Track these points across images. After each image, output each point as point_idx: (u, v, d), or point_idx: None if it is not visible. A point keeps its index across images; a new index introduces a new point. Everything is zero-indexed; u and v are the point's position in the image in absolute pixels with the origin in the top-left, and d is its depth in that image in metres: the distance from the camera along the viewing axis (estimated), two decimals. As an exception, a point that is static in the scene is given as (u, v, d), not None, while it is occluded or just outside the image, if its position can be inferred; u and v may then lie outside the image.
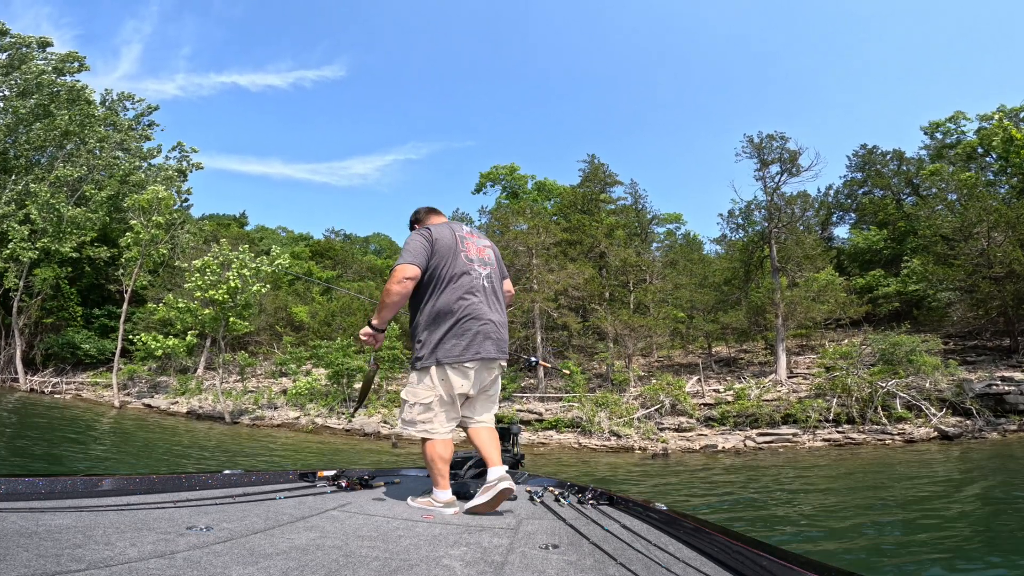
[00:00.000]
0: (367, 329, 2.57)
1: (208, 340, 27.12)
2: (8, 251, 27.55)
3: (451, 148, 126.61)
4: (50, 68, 31.48)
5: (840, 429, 16.36)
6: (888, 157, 36.54)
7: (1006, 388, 17.00)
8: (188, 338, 23.02)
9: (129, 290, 27.68)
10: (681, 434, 17.29)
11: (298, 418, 20.96)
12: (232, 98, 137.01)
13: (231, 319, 22.42)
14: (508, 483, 2.36)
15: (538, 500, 2.98)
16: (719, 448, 15.95)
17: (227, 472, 2.87)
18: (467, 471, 3.59)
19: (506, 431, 3.64)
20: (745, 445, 16.11)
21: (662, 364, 25.95)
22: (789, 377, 21.16)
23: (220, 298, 21.55)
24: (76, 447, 12.68)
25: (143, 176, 33.22)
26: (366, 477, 3.29)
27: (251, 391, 24.07)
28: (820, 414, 16.76)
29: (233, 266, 22.23)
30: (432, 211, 2.91)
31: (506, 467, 2.54)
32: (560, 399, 20.26)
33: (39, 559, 1.16)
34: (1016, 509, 8.13)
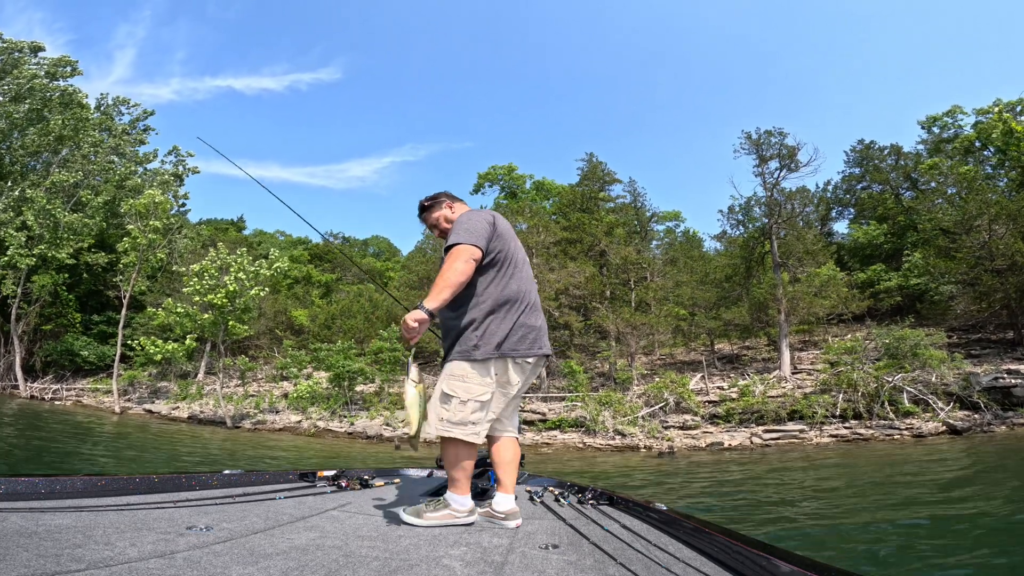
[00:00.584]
0: (420, 315, 2.06)
1: (208, 345, 26.96)
2: (6, 258, 27.37)
3: (449, 149, 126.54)
4: (43, 73, 31.32)
5: (847, 425, 16.27)
6: (886, 152, 36.49)
7: (1012, 381, 16.91)
8: (187, 342, 22.87)
9: (127, 295, 27.52)
10: (686, 432, 17.19)
11: (300, 422, 20.82)
12: (228, 102, 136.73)
13: (230, 323, 22.27)
14: (517, 520, 2.21)
15: (538, 500, 2.97)
16: (725, 445, 15.85)
17: (227, 472, 2.84)
18: None
19: None
20: (751, 442, 16.01)
21: (664, 362, 25.86)
22: (793, 373, 21.08)
23: (219, 302, 21.41)
24: (78, 453, 12.54)
25: (139, 181, 33.06)
26: (366, 477, 3.27)
27: (252, 395, 23.93)
28: (826, 410, 16.67)
29: (231, 270, 22.09)
30: (457, 198, 2.66)
31: (515, 497, 2.35)
32: (563, 398, 20.14)
33: (39, 559, 1.16)
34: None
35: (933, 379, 16.98)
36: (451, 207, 2.58)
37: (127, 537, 1.46)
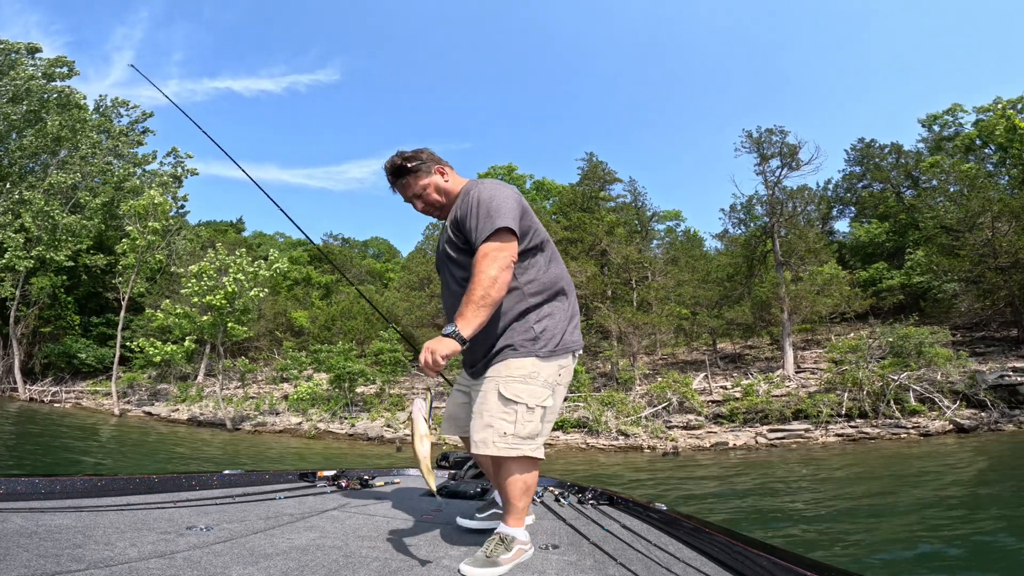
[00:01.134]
0: (453, 346, 1.61)
1: (207, 346, 26.83)
2: (4, 260, 27.22)
3: (448, 150, 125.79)
4: (39, 74, 31.18)
5: (853, 424, 16.14)
6: (886, 150, 36.41)
7: (1018, 379, 16.79)
8: (187, 344, 22.71)
9: (126, 297, 27.38)
10: (690, 432, 17.05)
11: (300, 423, 20.69)
12: (226, 104, 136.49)
13: (229, 325, 22.12)
14: (530, 554, 1.84)
15: (538, 500, 2.95)
16: (730, 445, 15.71)
17: (227, 472, 2.82)
18: (467, 471, 3.44)
19: None
20: (756, 442, 15.88)
21: (666, 362, 25.73)
22: (797, 372, 20.96)
23: (218, 303, 21.26)
24: (77, 455, 12.40)
25: (138, 182, 32.92)
26: (366, 477, 3.26)
27: (252, 397, 23.78)
28: (831, 409, 16.54)
29: (230, 271, 21.94)
30: (446, 163, 2.11)
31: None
32: (565, 398, 19.99)
33: (39, 559, 1.16)
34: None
35: (939, 377, 16.86)
36: (443, 173, 2.03)
37: (127, 537, 1.46)
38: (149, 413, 24.02)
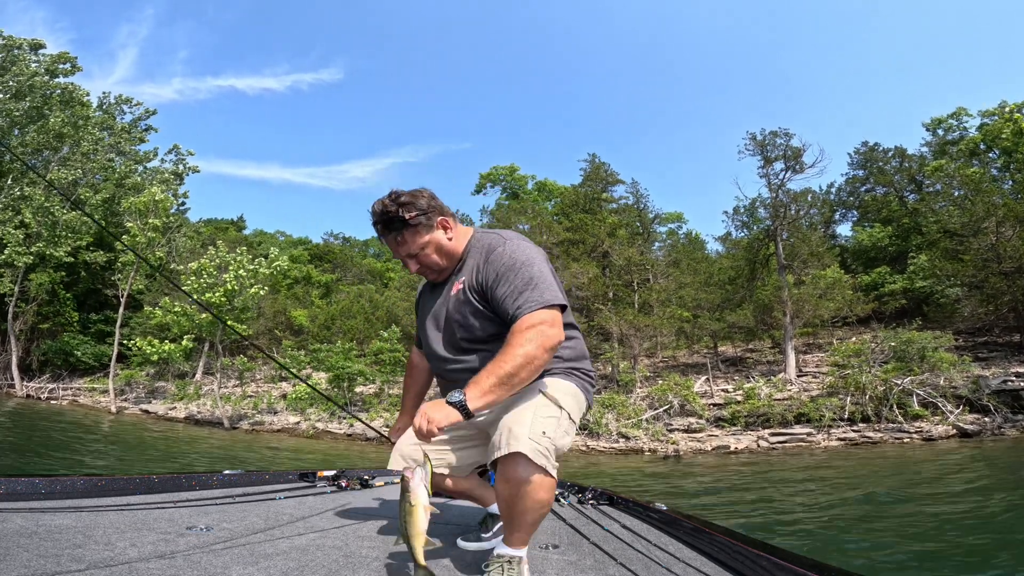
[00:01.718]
0: (454, 416, 1.43)
1: (206, 345, 26.72)
2: (3, 256, 27.13)
3: (450, 151, 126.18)
4: (43, 70, 31.12)
5: (856, 428, 16.01)
6: (890, 154, 36.30)
7: (1022, 384, 16.67)
8: (184, 342, 22.58)
9: (125, 294, 27.27)
10: (691, 435, 16.92)
11: (298, 423, 20.57)
12: (229, 102, 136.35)
13: (228, 322, 22.00)
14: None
15: None
16: (732, 449, 15.58)
17: (227, 472, 2.81)
18: None
19: None
20: (758, 445, 15.75)
21: (667, 364, 25.60)
22: (798, 376, 20.82)
23: (217, 301, 21.13)
24: (71, 455, 12.28)
25: (139, 179, 32.84)
26: (366, 477, 3.24)
27: (250, 396, 23.66)
28: (834, 413, 16.41)
29: (230, 268, 21.83)
30: (450, 212, 1.83)
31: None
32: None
33: (39, 559, 1.16)
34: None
35: (942, 382, 16.73)
36: (447, 227, 1.74)
37: (127, 537, 1.46)
38: (146, 411, 23.91)
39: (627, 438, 16.89)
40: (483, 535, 1.94)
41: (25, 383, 29.21)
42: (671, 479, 11.76)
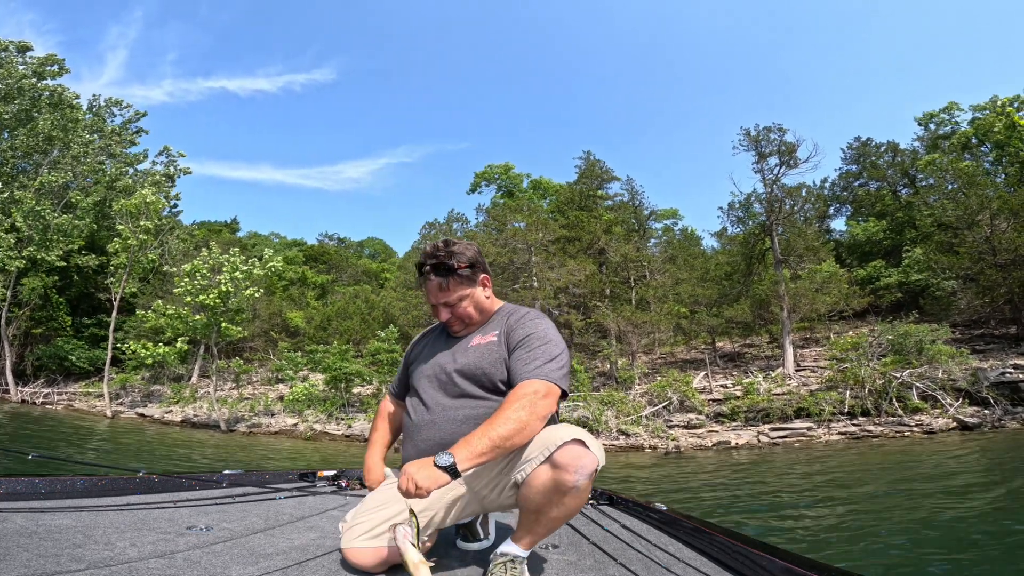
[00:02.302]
0: (442, 478, 1.39)
1: (201, 347, 26.50)
2: (-6, 261, 26.82)
3: (444, 151, 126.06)
4: (30, 72, 30.78)
5: (856, 422, 16.03)
6: (883, 149, 36.46)
7: (1020, 376, 16.74)
8: (179, 345, 22.36)
9: (118, 298, 27.01)
10: (691, 431, 16.90)
11: (296, 425, 20.42)
12: (221, 103, 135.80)
13: (223, 325, 21.81)
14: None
15: None
16: (732, 444, 15.56)
17: (227, 472, 2.80)
18: None
19: None
20: (759, 440, 15.75)
21: (665, 360, 25.61)
22: (797, 370, 20.86)
23: (211, 303, 20.94)
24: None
25: (130, 182, 32.53)
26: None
27: (247, 398, 23.48)
28: (833, 407, 16.43)
29: (224, 269, 21.62)
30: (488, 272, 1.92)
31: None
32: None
33: (39, 559, 1.16)
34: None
35: (940, 375, 16.78)
36: (487, 285, 1.84)
37: (127, 537, 1.46)
38: (142, 415, 23.69)
39: (627, 435, 16.85)
40: (482, 536, 1.94)
41: (20, 388, 28.91)
42: (672, 476, 11.72)
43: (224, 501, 2.23)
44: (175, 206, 36.06)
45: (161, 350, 22.08)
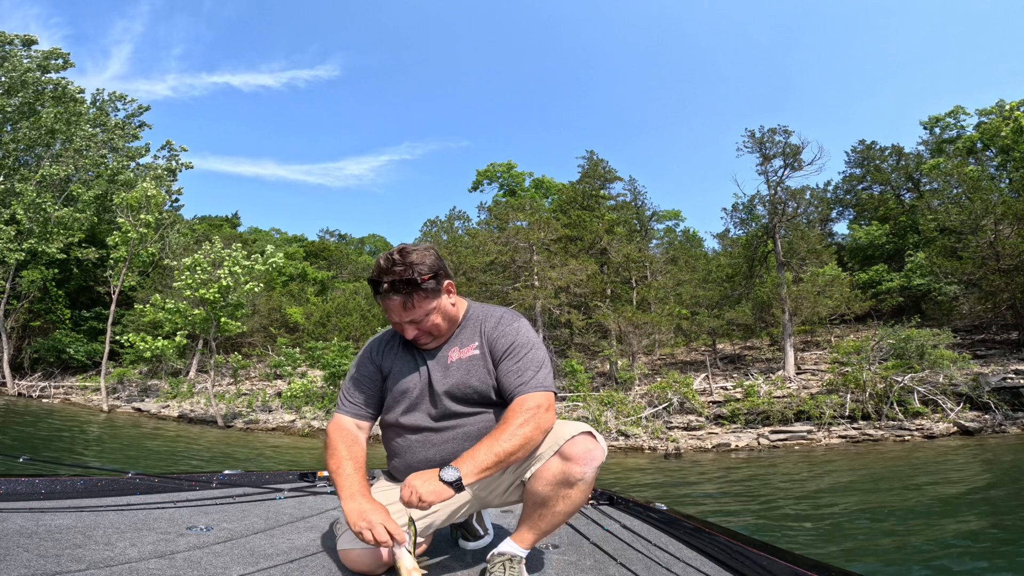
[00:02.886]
0: (445, 492, 1.37)
1: (200, 342, 26.42)
2: (-6, 253, 26.76)
3: (447, 148, 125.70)
4: (34, 66, 30.73)
5: (856, 425, 15.94)
6: (887, 153, 36.34)
7: (1021, 382, 16.64)
8: (177, 339, 22.28)
9: (117, 291, 26.94)
10: (691, 433, 16.80)
11: (294, 421, 20.35)
12: (224, 99, 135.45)
13: (222, 319, 21.73)
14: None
15: None
16: (732, 447, 15.47)
17: (227, 472, 2.80)
18: None
19: None
20: (759, 443, 15.65)
21: (665, 362, 25.51)
22: (797, 373, 20.76)
23: (211, 297, 20.85)
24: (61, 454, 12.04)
25: (132, 175, 32.47)
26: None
27: (245, 394, 23.41)
28: (834, 411, 16.33)
29: (225, 264, 21.54)
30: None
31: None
32: (564, 398, 19.74)
33: (39, 559, 1.16)
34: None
35: (941, 379, 16.70)
36: (451, 292, 1.69)
37: (127, 537, 1.46)
38: (138, 409, 23.63)
39: (627, 436, 16.76)
40: (481, 532, 1.93)
41: (16, 381, 28.86)
42: (673, 477, 11.63)
43: (224, 501, 2.23)
44: (176, 200, 36.00)
45: (159, 344, 22.00)
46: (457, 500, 1.61)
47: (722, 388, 19.70)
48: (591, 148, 36.45)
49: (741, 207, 26.25)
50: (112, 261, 27.80)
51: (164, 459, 12.55)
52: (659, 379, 19.73)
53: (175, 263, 24.23)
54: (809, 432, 15.90)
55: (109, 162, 32.99)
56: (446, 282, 1.65)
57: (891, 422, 15.88)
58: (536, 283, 22.71)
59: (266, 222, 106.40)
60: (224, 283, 20.88)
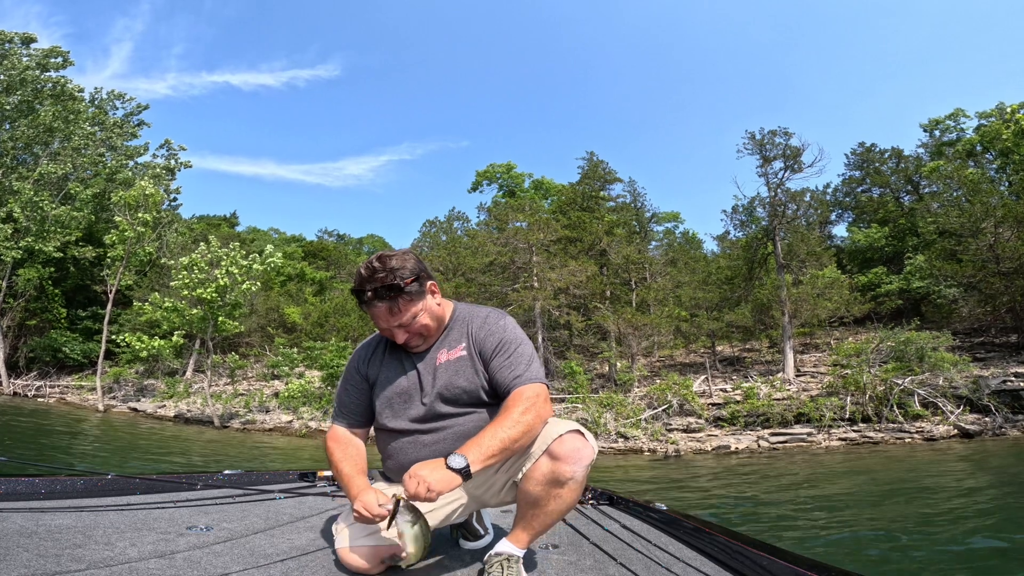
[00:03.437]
0: (454, 480, 1.39)
1: (197, 342, 26.29)
2: (-10, 251, 26.61)
3: (446, 148, 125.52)
4: (34, 64, 30.61)
5: (856, 428, 15.90)
6: (887, 155, 36.36)
7: (1021, 384, 16.62)
8: (174, 339, 22.15)
9: (113, 290, 26.80)
10: (691, 435, 16.73)
11: (291, 422, 20.23)
12: (224, 98, 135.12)
13: (220, 319, 21.61)
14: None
15: None
16: (732, 449, 15.40)
17: (227, 472, 2.81)
18: None
19: None
20: (759, 445, 15.59)
21: (664, 363, 25.45)
22: (797, 376, 20.71)
23: (208, 297, 20.73)
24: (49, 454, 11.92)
25: (130, 174, 32.35)
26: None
27: (242, 394, 23.28)
28: (834, 413, 16.27)
29: (223, 263, 21.42)
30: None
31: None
32: (563, 400, 19.66)
33: (39, 559, 1.16)
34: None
35: (941, 382, 16.66)
36: (435, 292, 1.70)
37: (127, 537, 1.46)
38: (134, 409, 23.49)
39: (626, 438, 16.68)
40: (481, 532, 1.93)
41: (12, 380, 28.70)
42: (673, 479, 11.55)
43: (224, 501, 2.22)
44: (175, 199, 35.88)
45: (156, 343, 21.87)
46: (454, 501, 1.64)
47: (721, 390, 19.63)
48: (591, 149, 36.51)
49: (741, 209, 26.23)
50: (109, 260, 27.66)
51: (160, 461, 12.44)
52: (658, 381, 19.66)
53: (172, 262, 24.13)
54: (809, 434, 15.85)
55: (107, 160, 32.88)
56: (429, 283, 1.67)
57: (891, 425, 15.83)
58: (535, 284, 22.64)
59: (265, 222, 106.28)
60: (222, 282, 20.77)
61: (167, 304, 21.38)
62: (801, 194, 24.75)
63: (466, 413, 1.66)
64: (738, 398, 18.27)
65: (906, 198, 33.88)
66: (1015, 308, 20.92)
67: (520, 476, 1.55)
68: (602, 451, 15.90)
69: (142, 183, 26.81)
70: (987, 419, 15.49)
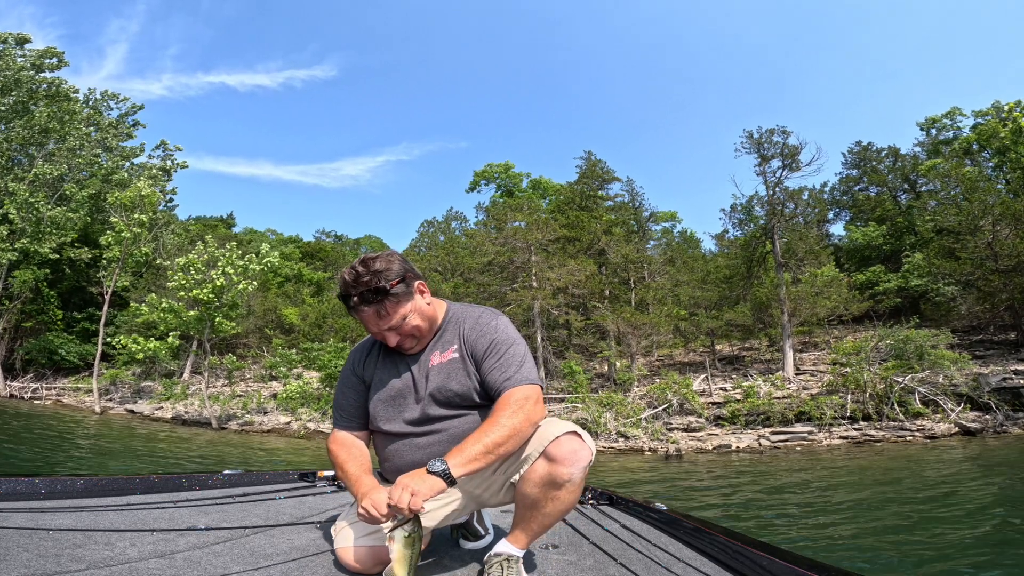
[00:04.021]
0: (438, 485, 1.34)
1: (194, 343, 26.15)
2: (-15, 253, 26.42)
3: (444, 149, 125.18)
4: (28, 65, 30.43)
5: (857, 426, 15.88)
6: (883, 154, 36.42)
7: (1021, 382, 16.62)
8: (171, 340, 22.01)
9: (110, 292, 26.64)
10: (691, 434, 16.68)
11: (289, 423, 20.13)
12: (220, 99, 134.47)
13: (217, 320, 21.48)
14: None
15: None
16: (733, 448, 15.36)
17: (227, 472, 2.81)
18: None
19: None
20: (760, 444, 15.55)
21: (663, 363, 25.41)
22: (797, 374, 20.69)
23: (205, 298, 20.60)
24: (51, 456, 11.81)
25: (126, 175, 32.19)
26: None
27: (239, 395, 23.16)
28: (835, 411, 16.25)
29: (219, 264, 21.30)
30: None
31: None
32: (563, 399, 19.60)
33: (39, 559, 1.17)
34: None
35: (941, 380, 16.65)
36: (424, 291, 1.66)
37: (127, 537, 1.46)
38: (132, 411, 23.35)
39: (626, 437, 16.62)
40: (482, 532, 1.92)
41: (8, 383, 28.53)
42: (674, 478, 11.50)
43: (224, 501, 2.21)
44: (171, 200, 35.72)
45: (152, 345, 21.73)
46: (450, 497, 1.62)
47: (721, 389, 19.60)
48: (589, 148, 36.47)
49: (739, 208, 26.23)
50: (105, 261, 27.50)
51: (158, 463, 12.34)
52: (658, 380, 19.62)
53: (168, 263, 23.99)
54: (810, 433, 15.82)
55: (103, 161, 32.70)
56: (416, 283, 1.63)
57: (892, 423, 15.81)
58: (534, 284, 22.58)
59: (262, 223, 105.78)
60: (218, 283, 20.65)
61: (164, 305, 21.24)
62: (799, 193, 24.75)
63: (460, 415, 1.64)
64: (738, 397, 18.24)
65: (903, 196, 33.94)
66: (1013, 305, 20.94)
67: (517, 477, 1.54)
68: (602, 451, 15.83)
69: (138, 184, 26.67)
70: (988, 417, 15.49)
